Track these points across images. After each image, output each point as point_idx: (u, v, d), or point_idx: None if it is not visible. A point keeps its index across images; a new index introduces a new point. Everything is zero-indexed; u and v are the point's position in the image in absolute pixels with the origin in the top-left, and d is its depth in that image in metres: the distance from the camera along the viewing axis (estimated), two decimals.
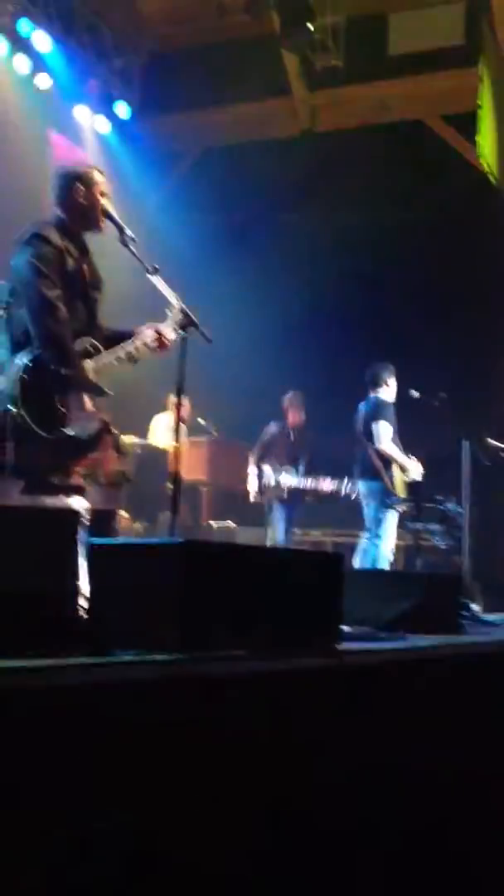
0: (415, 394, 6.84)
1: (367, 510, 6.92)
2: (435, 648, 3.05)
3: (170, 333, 3.88)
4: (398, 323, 9.50)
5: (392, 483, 6.77)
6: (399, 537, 8.36)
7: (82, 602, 2.31)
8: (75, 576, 2.21)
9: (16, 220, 3.93)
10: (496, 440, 7.89)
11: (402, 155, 9.78)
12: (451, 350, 9.11)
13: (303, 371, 8.78)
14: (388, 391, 7.01)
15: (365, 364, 7.38)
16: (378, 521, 6.82)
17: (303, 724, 2.26)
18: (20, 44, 8.54)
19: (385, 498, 6.73)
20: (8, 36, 8.41)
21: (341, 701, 2.42)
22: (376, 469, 6.77)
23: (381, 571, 4.63)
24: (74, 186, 3.82)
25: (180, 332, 3.89)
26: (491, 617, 4.78)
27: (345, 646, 2.61)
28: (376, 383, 6.97)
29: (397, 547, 7.56)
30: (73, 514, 2.25)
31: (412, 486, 6.78)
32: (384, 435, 6.75)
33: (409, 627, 3.41)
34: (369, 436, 6.82)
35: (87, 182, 3.85)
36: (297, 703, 2.28)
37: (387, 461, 6.77)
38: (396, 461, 6.80)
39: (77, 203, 3.79)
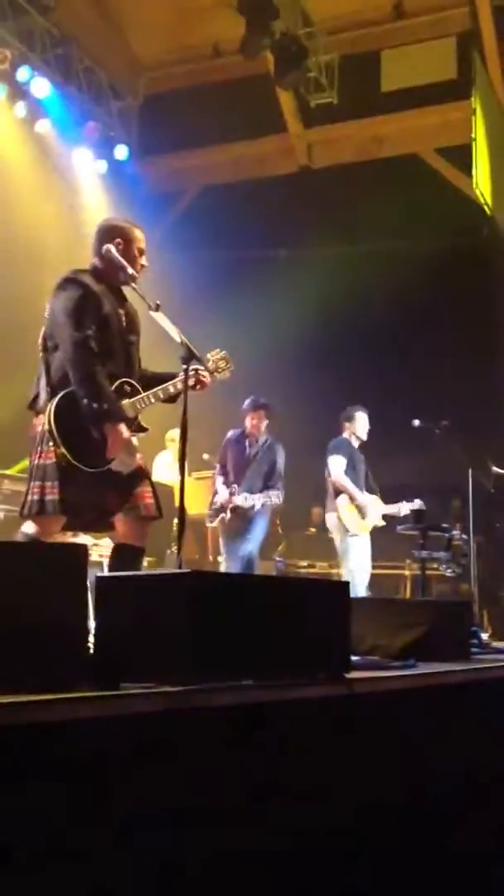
0: (416, 423, 6.86)
1: (336, 542, 7.15)
2: (444, 676, 3.04)
3: (209, 374, 4.02)
4: (398, 354, 9.56)
5: (347, 515, 7.00)
6: (406, 566, 8.33)
7: (90, 636, 2.32)
8: (83, 609, 2.21)
9: (15, 264, 3.99)
10: (500, 467, 7.90)
11: (398, 188, 9.89)
12: (452, 378, 9.15)
13: (302, 404, 8.82)
14: (350, 430, 7.25)
15: (366, 394, 7.41)
16: (344, 552, 7.03)
17: (312, 752, 2.26)
18: (19, 90, 8.67)
19: (345, 528, 6.97)
20: (7, 83, 8.55)
21: (350, 729, 2.42)
22: (334, 502, 7.06)
23: (391, 600, 4.62)
24: (114, 241, 3.93)
25: (219, 375, 4.07)
26: (499, 644, 4.76)
27: (354, 674, 2.61)
28: (343, 423, 7.29)
29: (405, 576, 7.54)
30: (82, 549, 2.26)
31: (417, 515, 6.77)
32: (335, 467, 7.05)
33: (419, 655, 3.40)
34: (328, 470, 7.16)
35: (128, 238, 3.98)
36: (307, 732, 2.28)
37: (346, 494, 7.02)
38: (347, 492, 6.99)
39: (114, 257, 3.88)
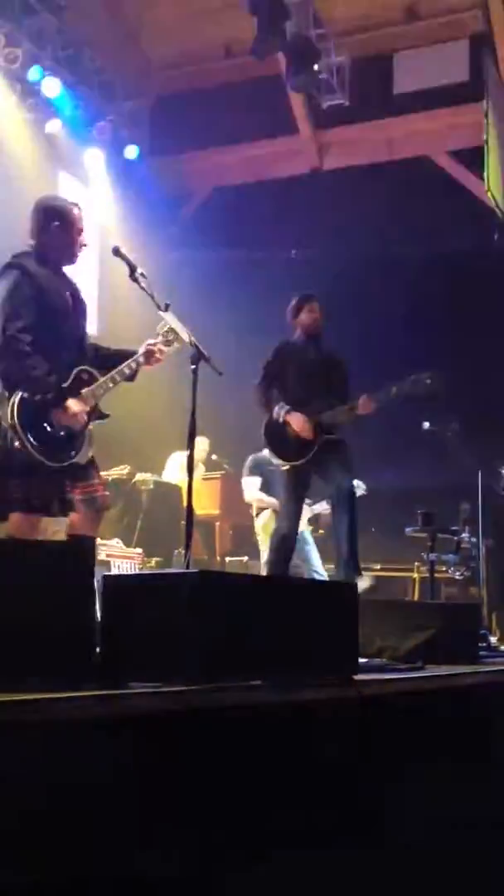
0: (426, 425, 6.85)
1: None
2: (453, 679, 3.02)
3: (162, 346, 3.99)
4: (409, 356, 9.52)
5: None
6: (415, 569, 8.31)
7: (97, 635, 2.31)
8: (90, 608, 2.21)
9: None
10: None
11: (409, 191, 9.87)
12: (462, 381, 9.12)
13: None
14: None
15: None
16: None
17: (320, 754, 2.24)
18: (30, 90, 8.68)
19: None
20: (18, 82, 8.56)
21: (358, 731, 2.40)
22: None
23: (399, 602, 4.66)
24: (53, 222, 3.86)
25: (169, 348, 4.03)
26: None
27: (361, 676, 2.59)
28: None
29: (413, 579, 7.52)
30: (90, 542, 2.25)
31: (426, 517, 6.75)
32: (248, 488, 7.28)
33: (427, 658, 3.39)
34: None
35: (67, 219, 3.90)
36: (314, 733, 2.27)
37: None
38: (267, 506, 7.14)
39: (54, 238, 3.83)
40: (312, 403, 5.28)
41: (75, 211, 3.95)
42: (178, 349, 4.06)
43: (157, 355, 3.97)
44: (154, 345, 3.97)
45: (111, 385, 3.90)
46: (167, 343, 4.02)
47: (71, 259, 3.88)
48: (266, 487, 7.20)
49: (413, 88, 10.26)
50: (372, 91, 10.23)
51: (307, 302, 5.57)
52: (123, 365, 3.92)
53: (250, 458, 7.33)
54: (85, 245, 3.94)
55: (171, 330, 4.01)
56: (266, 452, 7.30)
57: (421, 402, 5.37)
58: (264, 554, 7.10)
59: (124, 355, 3.97)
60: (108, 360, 3.98)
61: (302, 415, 5.20)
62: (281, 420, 5.24)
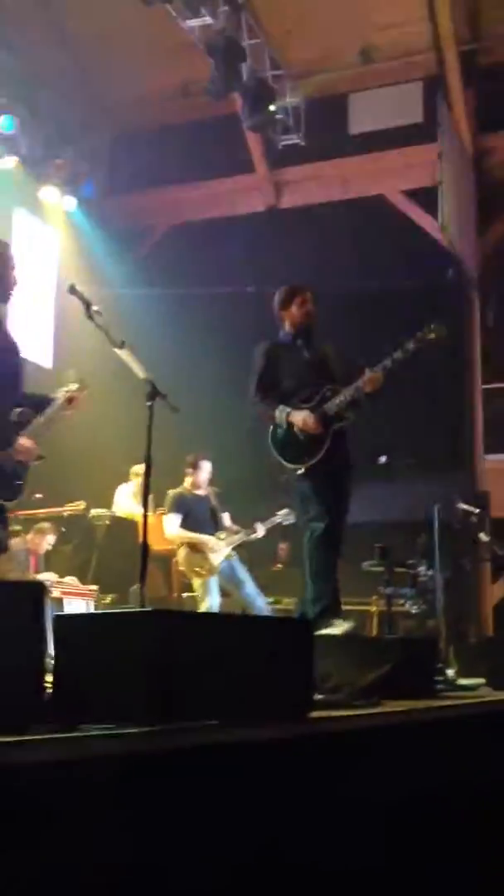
0: (383, 459, 6.90)
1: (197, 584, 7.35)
2: (410, 714, 3.02)
3: (73, 393, 4.03)
4: None
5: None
6: (372, 602, 8.33)
7: (48, 676, 2.28)
8: (40, 649, 2.17)
9: None
10: (465, 503, 7.94)
11: (364, 229, 10.01)
12: (418, 416, 9.21)
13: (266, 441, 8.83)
14: (192, 477, 7.39)
15: None
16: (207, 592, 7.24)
17: (275, 793, 2.22)
18: None
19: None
20: None
21: (314, 769, 2.39)
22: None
23: (356, 636, 4.61)
24: None
25: (81, 394, 4.05)
26: (465, 681, 4.75)
27: (317, 713, 2.58)
28: (185, 469, 7.44)
29: (371, 612, 7.54)
30: (40, 587, 2.23)
31: (383, 551, 6.78)
32: (169, 526, 7.23)
33: (384, 693, 3.38)
34: None
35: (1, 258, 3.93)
36: (270, 772, 2.25)
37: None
38: (186, 541, 7.20)
39: None
40: (315, 400, 4.81)
41: (4, 251, 3.95)
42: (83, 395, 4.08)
43: (75, 403, 4.00)
44: (70, 392, 4.00)
45: (43, 429, 3.92)
46: (80, 390, 4.08)
47: (4, 298, 3.88)
48: (188, 523, 7.24)
49: (368, 129, 10.47)
50: (327, 131, 10.41)
51: (299, 293, 5.03)
52: (51, 410, 3.94)
53: (171, 493, 7.31)
54: (16, 284, 3.93)
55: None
56: (187, 485, 7.40)
57: (431, 355, 4.98)
58: (199, 589, 7.22)
59: (47, 400, 4.00)
60: (37, 402, 4.00)
61: (304, 411, 4.75)
62: (283, 425, 4.79)
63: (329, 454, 4.76)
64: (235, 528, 7.44)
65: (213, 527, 7.37)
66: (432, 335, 4.83)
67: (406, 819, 2.66)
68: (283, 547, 9.54)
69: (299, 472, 4.79)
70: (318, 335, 5.06)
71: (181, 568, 7.35)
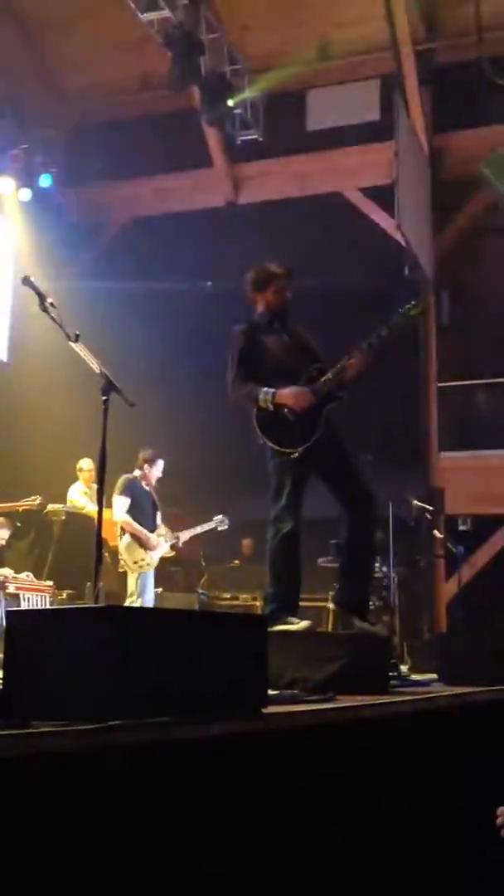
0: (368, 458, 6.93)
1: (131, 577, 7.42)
2: (363, 709, 3.04)
3: None
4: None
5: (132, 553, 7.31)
6: (328, 598, 8.38)
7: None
8: None
9: None
10: (420, 501, 8.01)
11: (321, 226, 10.03)
12: (374, 413, 9.26)
13: (226, 436, 8.83)
14: (144, 472, 7.49)
15: None
16: (143, 588, 7.33)
17: (228, 789, 2.23)
18: None
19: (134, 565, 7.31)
20: None
21: (267, 765, 2.39)
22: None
23: (310, 633, 4.60)
24: None
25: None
26: (418, 677, 4.79)
27: (271, 709, 2.59)
28: (142, 462, 7.52)
29: (327, 609, 7.58)
30: None
31: (339, 548, 6.80)
32: (118, 507, 7.25)
33: (338, 689, 3.40)
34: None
35: None
36: (223, 768, 2.25)
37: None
38: (131, 531, 7.27)
39: None
40: (302, 380, 4.53)
41: None
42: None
43: None
44: None
45: None
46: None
47: None
48: (133, 511, 7.28)
49: (325, 126, 10.49)
50: (285, 127, 10.41)
51: (275, 280, 4.80)
52: None
53: (123, 477, 7.33)
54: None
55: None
56: (136, 473, 7.42)
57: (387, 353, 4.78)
58: (131, 579, 7.29)
59: None
60: None
61: (292, 387, 4.45)
62: (270, 406, 4.41)
63: (323, 437, 4.45)
64: (164, 529, 7.57)
65: (153, 523, 7.45)
66: (416, 310, 4.74)
67: (359, 811, 2.68)
68: (245, 543, 9.54)
69: (293, 455, 4.41)
70: (291, 318, 4.82)
71: (121, 556, 7.38)
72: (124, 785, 1.99)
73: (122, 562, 7.41)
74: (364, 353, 4.55)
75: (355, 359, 4.53)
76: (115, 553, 7.52)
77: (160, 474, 7.58)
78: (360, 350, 4.56)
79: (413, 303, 4.74)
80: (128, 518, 7.27)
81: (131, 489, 7.33)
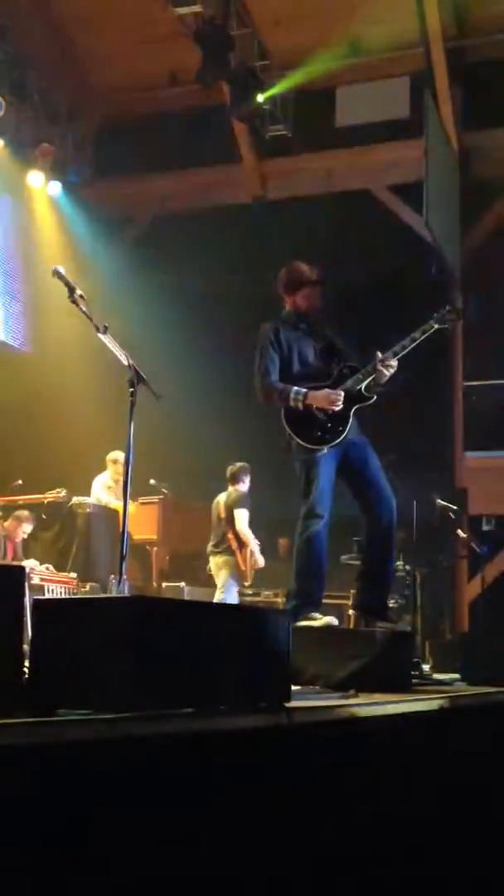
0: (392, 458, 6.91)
1: (219, 578, 7.73)
2: (385, 707, 3.03)
3: None
4: None
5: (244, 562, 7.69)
6: (350, 596, 8.39)
7: (26, 661, 2.27)
8: (19, 633, 2.16)
9: None
10: (444, 500, 7.98)
11: (349, 223, 9.99)
12: (398, 412, 9.22)
13: (261, 435, 8.82)
14: (244, 486, 7.81)
15: None
16: (227, 587, 7.65)
17: (249, 782, 2.23)
18: None
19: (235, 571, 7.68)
20: None
21: (290, 759, 2.39)
22: (232, 548, 7.65)
23: (333, 629, 4.59)
24: None
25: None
26: (441, 676, 4.77)
27: (293, 704, 2.58)
28: (235, 480, 7.81)
29: (348, 607, 7.56)
30: (19, 571, 2.22)
31: (361, 545, 6.80)
32: (244, 521, 7.58)
33: (360, 686, 3.39)
34: (231, 520, 7.67)
35: None
36: (245, 761, 2.26)
37: (242, 543, 7.66)
38: (249, 545, 7.61)
39: None
40: (332, 378, 4.57)
41: None
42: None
43: None
44: None
45: None
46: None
47: None
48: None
49: (355, 122, 10.44)
50: (314, 123, 10.38)
51: (308, 285, 4.76)
52: None
53: (239, 491, 7.71)
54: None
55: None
56: (244, 488, 7.73)
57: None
58: (219, 590, 7.63)
59: None
60: None
61: (323, 390, 4.46)
62: (301, 406, 4.41)
63: (349, 437, 4.48)
64: None
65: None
66: (453, 315, 4.72)
67: (379, 808, 2.68)
68: (282, 542, 9.53)
69: (320, 453, 4.43)
70: (320, 319, 4.82)
71: (242, 567, 7.70)
72: (144, 775, 1.99)
73: (241, 569, 7.72)
74: (387, 362, 4.55)
75: (375, 371, 4.53)
76: (137, 547, 7.55)
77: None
78: (392, 353, 4.57)
79: (448, 307, 4.73)
80: (250, 532, 7.61)
81: (248, 502, 7.69)
